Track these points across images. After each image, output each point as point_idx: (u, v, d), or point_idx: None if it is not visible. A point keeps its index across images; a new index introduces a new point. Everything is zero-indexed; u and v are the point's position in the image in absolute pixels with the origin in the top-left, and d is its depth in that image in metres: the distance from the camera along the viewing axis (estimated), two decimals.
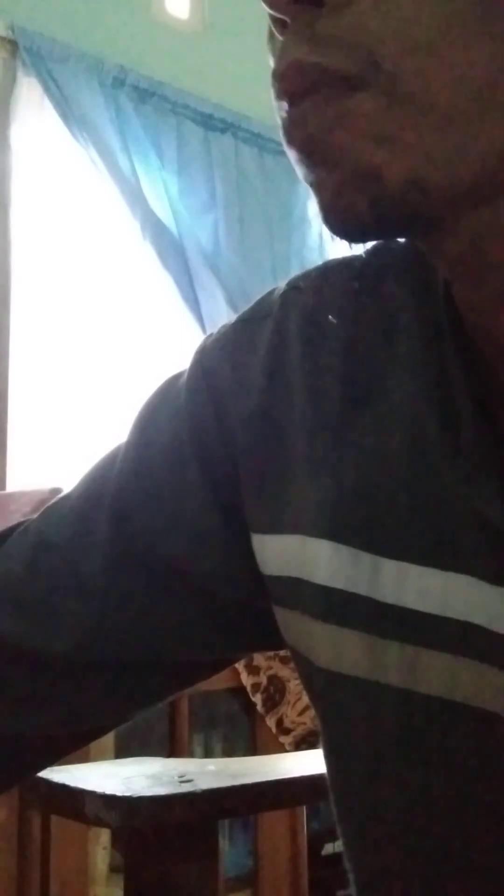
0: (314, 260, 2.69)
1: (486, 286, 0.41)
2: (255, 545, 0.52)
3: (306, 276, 0.53)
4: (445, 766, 0.44)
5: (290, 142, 0.39)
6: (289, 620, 0.51)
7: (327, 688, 0.49)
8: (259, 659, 1.91)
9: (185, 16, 2.76)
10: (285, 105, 0.38)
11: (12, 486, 2.26)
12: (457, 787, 0.44)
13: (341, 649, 0.47)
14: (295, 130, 0.38)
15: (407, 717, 0.45)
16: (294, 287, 0.53)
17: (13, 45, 2.38)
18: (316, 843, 1.89)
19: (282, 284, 0.54)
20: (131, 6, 2.63)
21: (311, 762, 1.00)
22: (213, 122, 2.67)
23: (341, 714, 0.48)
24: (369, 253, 0.51)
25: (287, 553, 0.50)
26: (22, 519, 0.59)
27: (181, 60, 2.67)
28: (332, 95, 0.37)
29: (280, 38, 0.39)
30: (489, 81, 0.35)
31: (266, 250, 2.68)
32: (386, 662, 0.45)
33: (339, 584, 0.47)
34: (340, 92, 0.36)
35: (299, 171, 0.40)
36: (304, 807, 1.53)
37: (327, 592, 0.47)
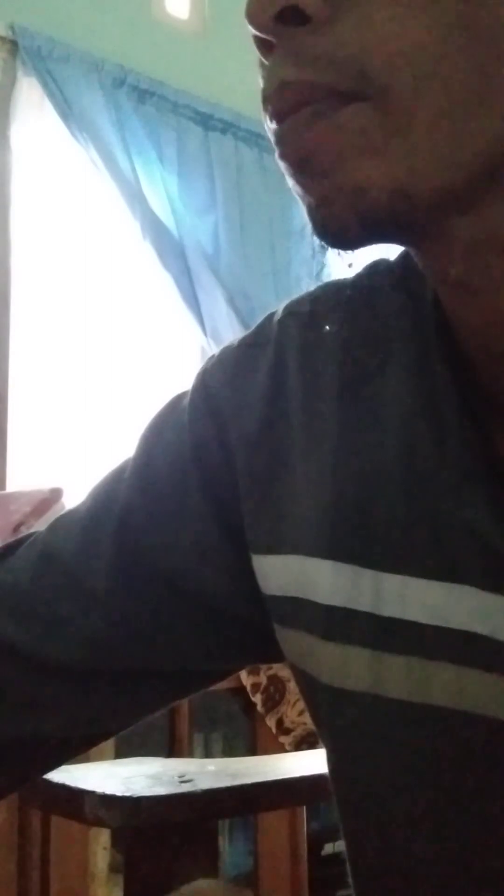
0: (313, 259, 2.69)
1: (477, 296, 0.41)
2: (255, 566, 0.53)
3: (302, 301, 0.55)
4: (455, 775, 0.44)
5: (283, 156, 0.40)
6: (291, 639, 0.51)
7: (333, 704, 0.49)
8: None
9: (185, 16, 2.76)
10: (275, 125, 0.39)
11: (12, 486, 2.26)
12: (466, 795, 0.44)
13: (346, 666, 0.47)
14: (287, 145, 0.39)
15: (415, 728, 0.45)
16: (291, 313, 0.54)
17: (13, 45, 2.38)
18: (316, 843, 1.89)
19: (280, 309, 0.56)
20: (131, 6, 2.63)
21: (311, 762, 1.00)
22: (213, 122, 2.67)
23: (348, 730, 0.49)
24: (360, 275, 0.52)
25: (287, 573, 0.51)
26: (22, 519, 0.59)
27: (181, 60, 2.67)
28: (322, 109, 0.37)
29: (265, 61, 0.39)
30: (473, 90, 0.36)
31: (266, 250, 2.68)
32: (392, 676, 0.46)
33: (340, 602, 0.47)
34: (331, 106, 0.37)
35: (290, 183, 0.40)
36: (304, 807, 1.53)
37: (329, 611, 0.48)
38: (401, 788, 0.46)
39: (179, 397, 0.58)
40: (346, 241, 0.40)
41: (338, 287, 0.53)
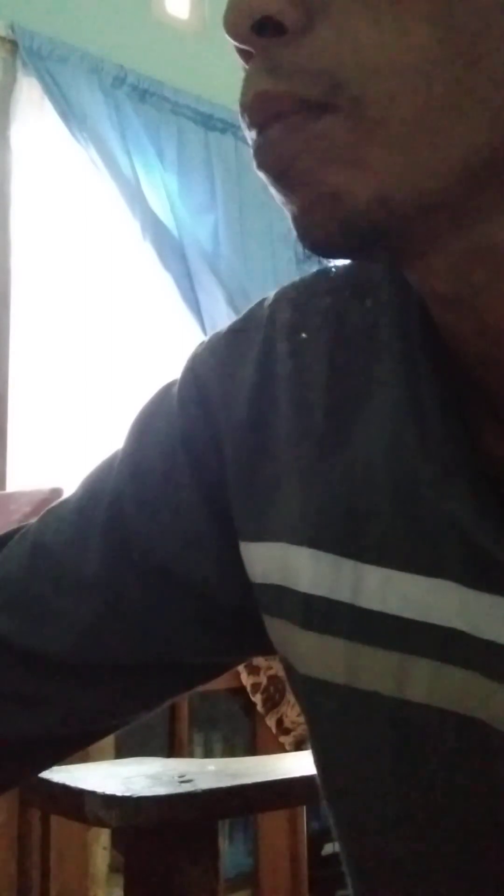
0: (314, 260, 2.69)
1: (459, 305, 0.41)
2: (242, 553, 0.52)
3: (293, 287, 0.54)
4: (430, 773, 0.44)
5: (260, 166, 0.40)
6: (274, 627, 0.51)
7: (311, 695, 0.49)
8: (259, 659, 1.91)
9: (185, 16, 2.77)
10: (254, 134, 0.40)
11: (12, 486, 2.26)
12: (442, 793, 0.44)
13: (324, 657, 0.47)
14: (264, 156, 0.39)
15: (392, 723, 0.45)
16: (281, 299, 0.54)
17: (13, 45, 2.38)
18: (316, 843, 1.89)
19: (271, 295, 0.55)
20: (131, 6, 2.63)
21: (311, 762, 1.00)
22: (213, 122, 2.67)
23: (326, 721, 0.49)
24: (353, 265, 0.52)
25: (270, 561, 0.50)
26: (22, 519, 0.59)
27: (181, 60, 2.68)
28: (299, 122, 0.37)
29: (245, 67, 0.39)
30: (450, 101, 0.36)
31: (266, 250, 2.68)
32: (368, 669, 0.45)
33: (320, 591, 0.47)
34: (307, 117, 0.37)
35: (273, 193, 0.41)
36: (304, 807, 1.53)
37: (308, 600, 0.48)
38: (375, 781, 0.46)
39: (169, 385, 0.57)
40: (328, 249, 0.40)
41: (329, 275, 0.53)
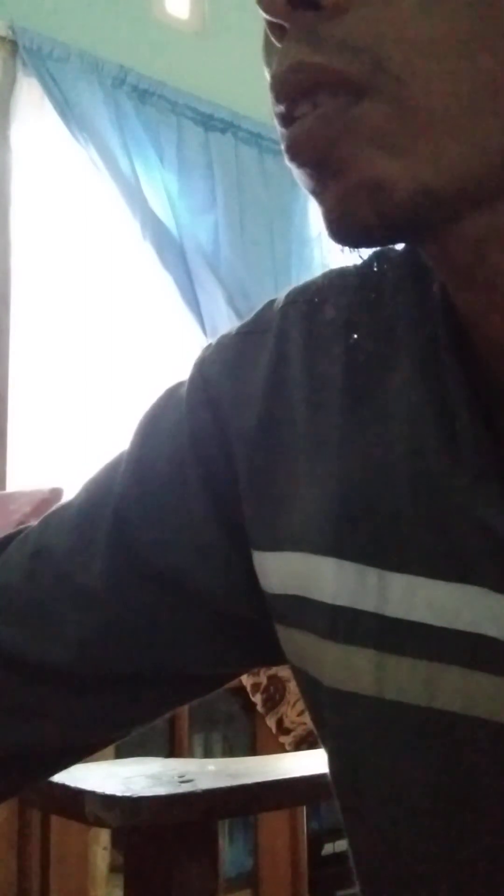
0: (314, 259, 2.69)
1: (486, 291, 0.40)
2: (255, 563, 0.51)
3: (305, 289, 0.53)
4: (459, 781, 0.43)
5: (294, 158, 0.38)
6: (293, 639, 0.50)
7: (337, 707, 0.47)
8: None
9: (185, 16, 2.76)
10: (283, 108, 0.38)
11: (12, 486, 2.26)
12: (471, 801, 0.43)
13: (351, 668, 0.46)
14: (299, 146, 0.38)
15: (423, 734, 0.44)
16: (294, 301, 0.53)
17: (13, 45, 2.38)
18: (316, 843, 1.89)
19: (281, 297, 0.54)
20: (131, 6, 2.63)
21: (311, 762, 1.00)
22: (213, 122, 2.67)
23: (351, 732, 0.47)
24: (367, 264, 0.50)
25: (289, 571, 0.49)
26: (22, 519, 0.58)
27: (181, 60, 2.67)
28: (337, 107, 0.36)
29: (278, 45, 0.38)
30: (494, 88, 0.35)
31: (266, 250, 2.68)
32: (396, 679, 0.44)
33: (345, 601, 0.46)
34: (346, 102, 0.36)
35: (301, 182, 0.39)
36: (304, 807, 1.53)
37: (333, 611, 0.46)
38: (404, 793, 0.45)
39: (176, 387, 0.56)
40: (365, 242, 0.39)
41: (343, 274, 0.51)
